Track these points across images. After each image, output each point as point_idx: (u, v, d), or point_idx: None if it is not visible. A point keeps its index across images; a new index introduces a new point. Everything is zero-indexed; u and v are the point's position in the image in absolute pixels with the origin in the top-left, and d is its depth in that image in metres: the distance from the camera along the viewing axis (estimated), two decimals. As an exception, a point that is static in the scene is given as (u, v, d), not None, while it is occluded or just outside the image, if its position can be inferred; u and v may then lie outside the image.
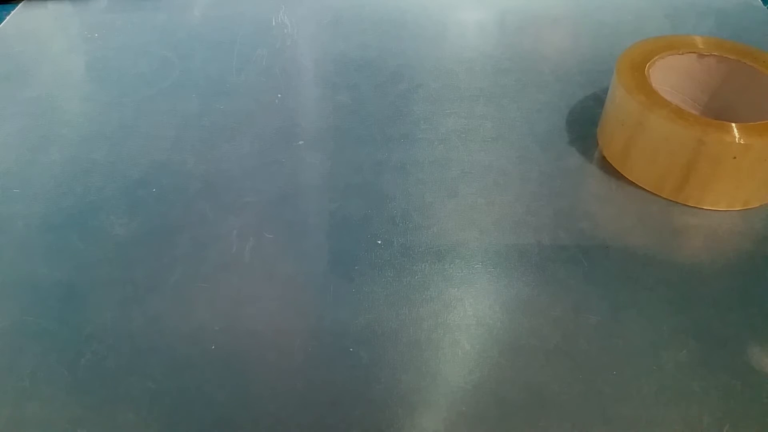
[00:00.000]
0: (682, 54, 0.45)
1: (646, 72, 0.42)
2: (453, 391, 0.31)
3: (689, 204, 0.40)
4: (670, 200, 0.41)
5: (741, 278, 0.36)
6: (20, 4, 0.63)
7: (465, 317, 0.34)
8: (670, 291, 0.35)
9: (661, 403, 0.30)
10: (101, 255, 0.38)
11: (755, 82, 0.43)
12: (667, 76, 0.45)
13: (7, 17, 0.62)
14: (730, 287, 0.36)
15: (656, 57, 0.44)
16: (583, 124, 0.47)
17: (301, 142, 0.46)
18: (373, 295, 0.35)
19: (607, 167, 0.43)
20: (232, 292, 0.36)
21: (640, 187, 0.42)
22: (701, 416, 0.30)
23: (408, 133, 0.46)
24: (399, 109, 0.49)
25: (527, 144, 0.45)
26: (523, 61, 0.54)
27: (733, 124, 0.38)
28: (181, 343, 0.33)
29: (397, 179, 0.43)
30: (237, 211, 0.40)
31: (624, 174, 0.43)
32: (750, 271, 0.37)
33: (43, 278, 0.36)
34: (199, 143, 0.46)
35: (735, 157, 0.37)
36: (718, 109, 0.46)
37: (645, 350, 0.32)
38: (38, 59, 0.55)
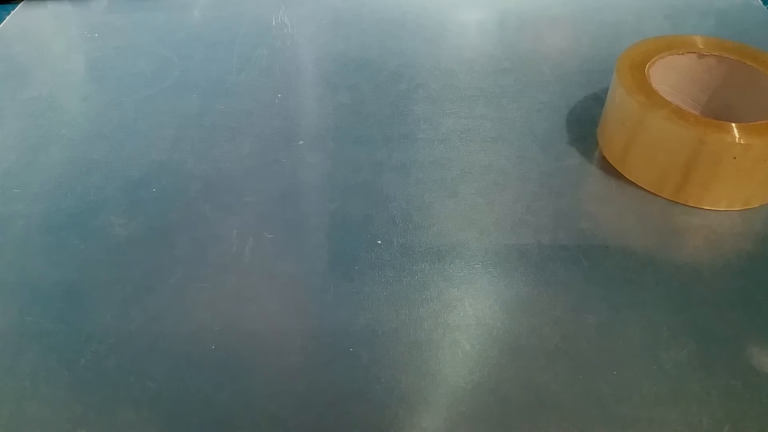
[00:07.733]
0: (682, 54, 0.45)
1: (646, 72, 0.42)
2: (453, 391, 0.31)
3: (689, 204, 0.40)
4: (670, 200, 0.41)
5: (741, 278, 0.36)
6: (20, 4, 0.63)
7: (465, 317, 0.34)
8: (670, 291, 0.35)
9: (661, 403, 0.30)
10: (101, 255, 0.38)
11: (755, 82, 0.43)
12: (667, 76, 0.45)
13: (7, 17, 0.61)
14: (730, 287, 0.36)
15: (656, 57, 0.44)
16: (583, 124, 0.47)
17: (301, 142, 0.46)
18: (373, 295, 0.35)
19: (607, 167, 0.43)
20: (232, 292, 0.36)
21: (640, 187, 0.42)
22: (701, 416, 0.30)
23: (408, 133, 0.46)
24: (399, 109, 0.49)
25: (527, 144, 0.45)
26: (523, 61, 0.54)
27: (733, 124, 0.38)
28: (181, 343, 0.33)
29: (397, 179, 0.43)
30: (237, 211, 0.40)
31: (624, 174, 0.43)
32: (750, 271, 0.37)
33: (43, 278, 0.36)
34: (199, 143, 0.46)
35: (735, 157, 0.37)
36: (718, 109, 0.46)
37: (645, 350, 0.32)
38: (38, 59, 0.55)
